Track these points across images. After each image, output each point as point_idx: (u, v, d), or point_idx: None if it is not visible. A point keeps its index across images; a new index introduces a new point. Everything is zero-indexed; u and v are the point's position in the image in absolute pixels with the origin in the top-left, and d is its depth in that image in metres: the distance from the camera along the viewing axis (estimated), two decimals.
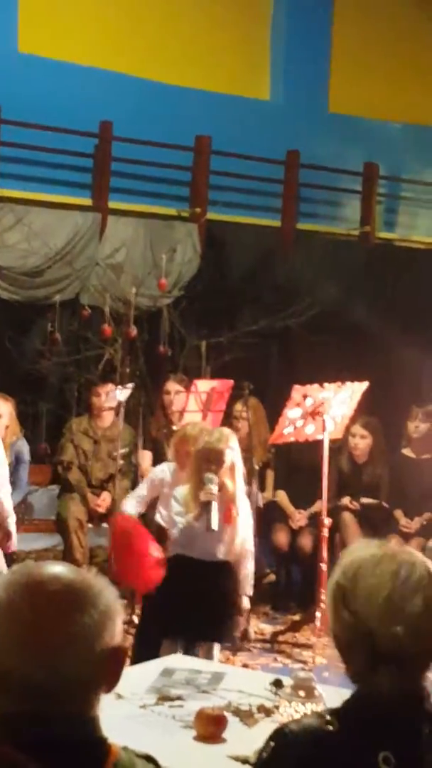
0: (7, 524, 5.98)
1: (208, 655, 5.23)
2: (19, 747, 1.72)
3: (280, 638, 7.27)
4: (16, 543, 6.16)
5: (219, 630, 5.36)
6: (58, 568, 1.83)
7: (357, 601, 2.11)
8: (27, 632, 1.74)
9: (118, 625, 1.82)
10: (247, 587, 5.57)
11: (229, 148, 10.03)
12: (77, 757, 1.76)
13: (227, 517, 5.32)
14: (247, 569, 5.54)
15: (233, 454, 5.33)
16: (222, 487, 5.27)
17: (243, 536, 5.45)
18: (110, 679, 1.82)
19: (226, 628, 5.45)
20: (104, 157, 9.66)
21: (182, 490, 5.39)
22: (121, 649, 1.82)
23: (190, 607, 5.20)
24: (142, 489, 6.23)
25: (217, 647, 5.37)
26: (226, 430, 5.50)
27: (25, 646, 1.74)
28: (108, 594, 1.82)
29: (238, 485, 5.41)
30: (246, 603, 5.61)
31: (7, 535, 5.98)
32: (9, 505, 6.02)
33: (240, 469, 5.45)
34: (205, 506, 5.19)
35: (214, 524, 5.16)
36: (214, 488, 5.18)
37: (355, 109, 11.29)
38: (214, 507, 5.17)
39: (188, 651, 5.16)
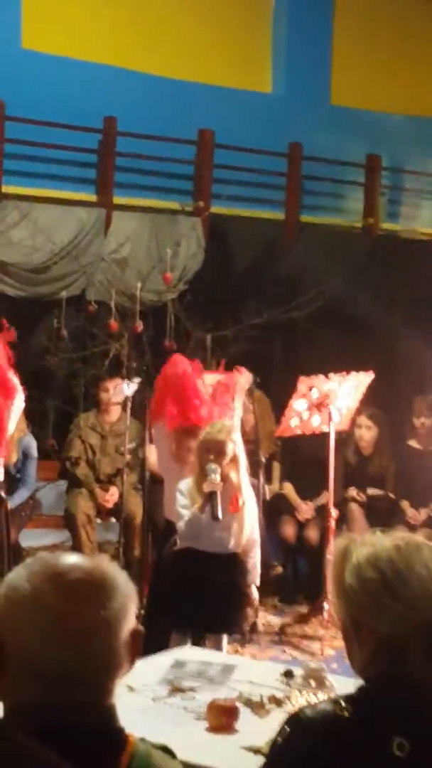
0: None
1: (217, 647, 5.26)
2: (39, 736, 1.73)
3: (288, 630, 7.29)
4: None
5: (229, 622, 5.40)
6: (74, 558, 1.86)
7: (410, 591, 2.14)
8: (53, 621, 1.76)
9: (135, 608, 1.85)
10: (256, 577, 5.60)
11: (232, 141, 10.05)
12: (96, 747, 1.78)
13: (234, 507, 5.34)
14: (255, 559, 5.58)
15: (235, 445, 5.37)
16: (226, 478, 5.30)
17: (250, 525, 5.48)
18: (129, 663, 1.85)
19: (236, 620, 5.49)
20: (108, 153, 9.69)
21: (186, 483, 5.42)
22: (138, 632, 1.86)
23: (199, 599, 5.23)
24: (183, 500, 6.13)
25: (225, 639, 5.41)
26: (228, 422, 5.55)
27: (51, 635, 1.76)
28: (124, 579, 1.86)
29: (241, 476, 5.44)
30: (255, 593, 5.64)
31: None
32: None
33: (243, 460, 5.48)
34: (209, 496, 5.22)
35: (220, 513, 5.20)
36: (217, 478, 5.22)
37: (357, 101, 11.30)
38: (218, 496, 5.21)
39: (197, 643, 5.19)
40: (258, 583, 5.65)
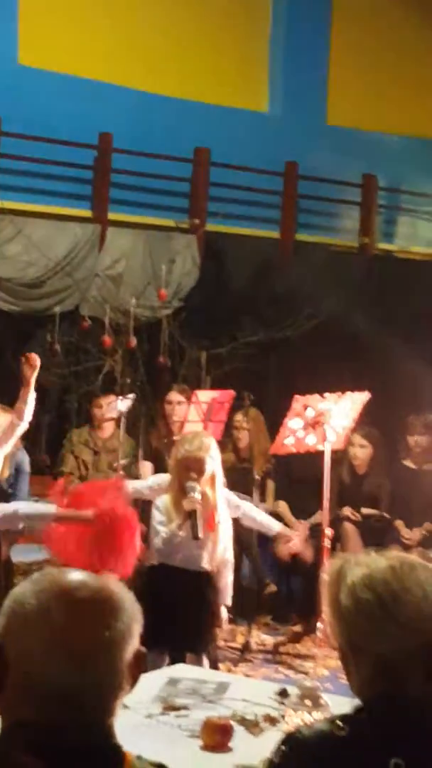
0: None
1: (198, 664, 5.19)
2: (37, 753, 1.71)
3: (281, 649, 7.25)
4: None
5: (197, 640, 5.32)
6: (82, 575, 1.83)
7: (406, 612, 2.10)
8: (60, 638, 1.73)
9: (139, 630, 1.83)
10: (227, 597, 5.55)
11: (228, 159, 10.07)
12: (93, 765, 1.75)
13: (210, 525, 5.28)
14: (227, 579, 5.52)
15: (213, 462, 5.30)
16: (203, 496, 5.23)
17: (224, 545, 5.43)
18: (131, 684, 1.82)
19: (204, 639, 5.41)
20: (104, 169, 9.70)
21: (164, 499, 5.35)
22: (141, 653, 1.83)
23: (172, 616, 5.16)
24: (146, 483, 6.09)
25: (205, 659, 5.34)
26: (207, 438, 5.44)
27: (57, 653, 1.73)
28: (129, 598, 1.83)
29: (218, 493, 5.38)
30: (224, 613, 5.59)
31: None
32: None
33: (220, 477, 5.41)
34: (189, 515, 5.17)
35: (200, 532, 5.15)
36: (198, 496, 5.16)
37: (353, 121, 11.33)
38: (199, 515, 5.16)
39: (175, 661, 5.10)
40: (229, 603, 5.59)
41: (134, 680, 1.82)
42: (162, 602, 5.18)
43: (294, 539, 6.23)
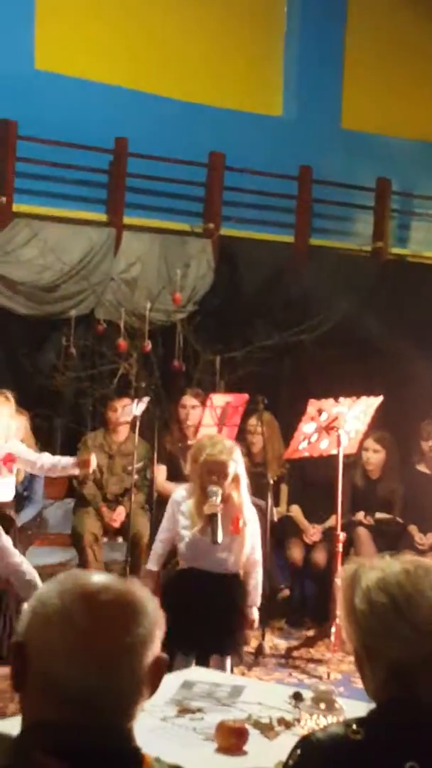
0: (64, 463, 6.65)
1: (221, 667, 5.21)
2: (56, 754, 1.72)
3: (295, 653, 7.25)
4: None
5: (226, 643, 5.35)
6: (105, 578, 1.83)
7: (420, 615, 2.12)
8: (82, 641, 1.74)
9: (161, 636, 1.83)
10: (257, 598, 5.57)
11: (243, 164, 10.10)
12: (112, 767, 1.76)
13: (235, 528, 5.30)
14: (256, 580, 5.54)
15: (236, 465, 5.32)
16: (228, 498, 5.26)
17: (251, 546, 5.46)
18: (151, 690, 1.82)
19: (234, 642, 5.44)
20: (119, 173, 9.73)
21: (188, 504, 5.38)
22: (162, 659, 1.83)
23: (200, 619, 5.19)
24: (164, 523, 6.14)
25: (229, 661, 5.37)
26: (229, 442, 5.47)
27: (78, 655, 1.73)
28: (153, 603, 1.83)
29: (243, 496, 5.41)
30: (255, 614, 5.61)
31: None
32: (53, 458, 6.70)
33: (244, 480, 5.44)
34: (210, 519, 5.19)
35: (219, 537, 5.17)
36: (218, 500, 5.18)
37: (367, 125, 11.35)
38: (219, 519, 5.18)
39: (201, 664, 5.15)
40: (258, 604, 5.62)
41: (155, 686, 1.82)
42: (190, 605, 5.21)
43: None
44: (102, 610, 1.77)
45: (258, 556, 5.55)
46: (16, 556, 5.67)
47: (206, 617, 5.21)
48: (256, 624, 5.76)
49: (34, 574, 5.86)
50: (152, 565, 5.89)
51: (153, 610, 1.82)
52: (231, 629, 5.39)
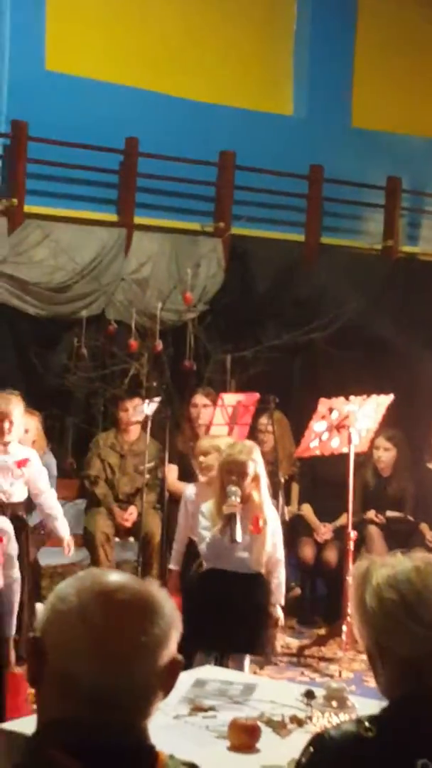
0: (53, 524, 6.58)
1: (239, 667, 5.24)
2: (71, 752, 1.73)
3: (306, 652, 7.27)
4: (70, 548, 6.69)
5: (251, 642, 5.39)
6: (123, 577, 1.84)
7: (429, 613, 2.13)
8: (99, 639, 1.75)
9: (177, 637, 1.83)
10: (280, 597, 5.60)
11: (253, 163, 10.09)
12: (127, 764, 1.77)
13: (255, 528, 5.35)
14: (279, 579, 5.57)
15: (256, 465, 5.36)
16: (248, 498, 5.30)
17: (272, 545, 5.48)
18: (166, 691, 1.83)
19: (259, 640, 5.47)
20: (130, 173, 9.75)
21: (208, 505, 5.43)
22: (177, 661, 1.83)
23: (224, 619, 5.22)
24: (180, 520, 6.24)
25: (247, 659, 5.39)
26: (248, 442, 5.57)
27: (95, 653, 1.74)
28: (169, 604, 1.84)
29: (263, 495, 5.44)
30: (280, 613, 5.64)
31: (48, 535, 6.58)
32: (54, 505, 6.63)
33: (264, 480, 5.48)
34: (229, 519, 5.21)
35: (238, 536, 5.19)
36: (237, 500, 5.21)
37: (378, 123, 11.34)
38: (237, 519, 5.20)
39: (220, 662, 5.18)
40: (282, 602, 5.64)
41: (170, 686, 1.83)
42: (212, 606, 5.24)
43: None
44: (119, 609, 1.78)
45: (280, 555, 5.59)
46: (16, 571, 5.66)
47: (229, 617, 5.24)
48: (281, 622, 5.80)
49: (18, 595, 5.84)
50: (173, 564, 5.95)
51: (170, 610, 1.82)
52: (255, 628, 5.42)
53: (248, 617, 5.33)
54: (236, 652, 5.30)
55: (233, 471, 5.29)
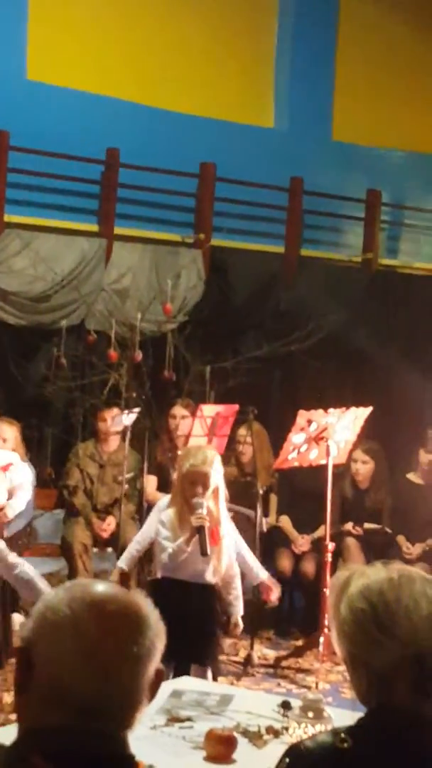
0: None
1: (202, 677, 5.20)
2: (53, 759, 1.73)
3: (283, 663, 7.27)
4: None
5: (199, 652, 5.33)
6: (110, 587, 1.86)
7: (398, 624, 2.13)
8: (91, 649, 1.76)
9: (161, 647, 1.85)
10: (240, 608, 5.59)
11: (234, 175, 10.12)
12: None
13: (214, 540, 5.29)
14: (237, 591, 5.56)
15: (217, 475, 5.30)
16: (208, 510, 5.25)
17: (228, 557, 5.46)
18: (148, 701, 1.84)
19: (210, 650, 5.44)
20: (111, 184, 9.76)
21: (168, 514, 5.34)
22: (161, 671, 1.86)
23: (178, 629, 5.17)
24: (145, 527, 6.13)
25: (209, 671, 5.37)
26: (210, 451, 5.43)
27: (86, 663, 1.75)
28: (155, 614, 1.86)
29: (221, 507, 5.40)
30: (240, 624, 5.62)
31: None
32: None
33: (223, 491, 5.43)
34: (198, 531, 5.18)
35: (208, 548, 5.17)
36: (204, 512, 5.17)
37: (358, 136, 11.39)
38: (206, 531, 5.18)
39: (180, 674, 5.14)
40: (242, 613, 5.63)
41: (152, 697, 1.85)
42: (168, 615, 5.20)
43: (276, 592, 6.21)
44: (111, 620, 1.79)
45: (236, 568, 5.56)
46: (11, 557, 5.67)
47: (183, 627, 5.21)
48: (239, 631, 5.78)
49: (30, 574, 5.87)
50: (123, 563, 5.89)
51: (155, 621, 1.85)
52: (207, 639, 5.40)
53: (201, 628, 5.30)
54: (186, 662, 5.23)
55: (197, 482, 5.22)
